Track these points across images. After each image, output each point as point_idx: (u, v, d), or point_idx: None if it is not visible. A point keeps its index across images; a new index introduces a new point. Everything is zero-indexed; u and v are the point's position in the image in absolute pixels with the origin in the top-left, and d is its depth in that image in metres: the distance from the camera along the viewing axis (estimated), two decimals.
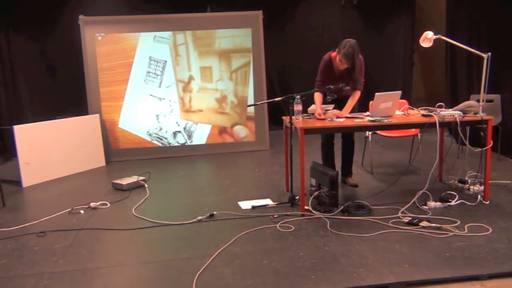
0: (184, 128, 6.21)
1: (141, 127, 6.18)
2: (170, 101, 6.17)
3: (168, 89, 6.16)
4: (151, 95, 6.14)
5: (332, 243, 3.07)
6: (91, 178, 5.25)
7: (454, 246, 2.93)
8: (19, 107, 6.67)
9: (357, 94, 4.13)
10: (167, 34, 6.10)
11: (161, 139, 6.18)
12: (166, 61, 6.13)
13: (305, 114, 4.03)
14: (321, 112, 3.94)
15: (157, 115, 6.17)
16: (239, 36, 6.21)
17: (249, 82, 6.29)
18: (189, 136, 6.21)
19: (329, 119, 3.85)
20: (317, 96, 4.10)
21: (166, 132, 6.21)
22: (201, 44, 6.17)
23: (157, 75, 6.11)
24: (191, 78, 6.21)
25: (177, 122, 6.22)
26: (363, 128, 3.83)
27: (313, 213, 3.62)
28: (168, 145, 6.22)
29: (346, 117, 3.90)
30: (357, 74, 3.96)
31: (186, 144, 6.26)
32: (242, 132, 6.38)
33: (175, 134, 6.19)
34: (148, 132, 6.18)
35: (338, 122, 3.76)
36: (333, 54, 4.05)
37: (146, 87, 6.14)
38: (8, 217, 3.91)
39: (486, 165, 3.72)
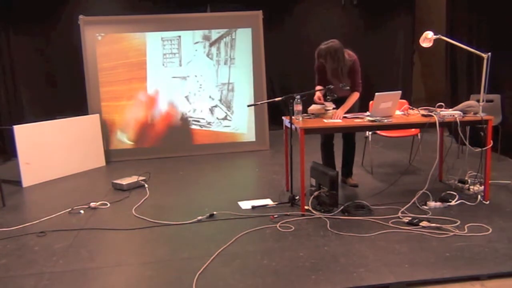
0: (220, 100, 5.62)
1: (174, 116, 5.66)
2: (196, 76, 5.63)
3: (190, 65, 5.61)
4: (173, 77, 5.65)
5: (332, 243, 3.07)
6: (91, 178, 5.25)
7: (454, 246, 2.93)
8: (19, 107, 6.66)
9: (354, 95, 4.13)
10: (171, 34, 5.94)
11: (198, 121, 5.62)
12: (180, 36, 5.66)
13: (305, 114, 4.03)
14: (321, 96, 4.08)
15: (186, 96, 5.62)
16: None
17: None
18: (228, 107, 5.60)
19: (327, 120, 3.85)
20: (317, 88, 4.20)
21: (201, 111, 5.63)
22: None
23: (174, 53, 5.63)
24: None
25: (210, 96, 5.61)
26: (363, 128, 3.83)
27: (313, 213, 3.62)
28: (207, 126, 5.63)
29: (346, 118, 3.90)
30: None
31: (227, 117, 5.70)
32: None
33: (211, 110, 5.59)
34: (182, 118, 5.66)
35: (338, 122, 3.76)
36: None
37: (166, 71, 5.61)
38: (8, 217, 3.91)
39: (486, 165, 3.72)
